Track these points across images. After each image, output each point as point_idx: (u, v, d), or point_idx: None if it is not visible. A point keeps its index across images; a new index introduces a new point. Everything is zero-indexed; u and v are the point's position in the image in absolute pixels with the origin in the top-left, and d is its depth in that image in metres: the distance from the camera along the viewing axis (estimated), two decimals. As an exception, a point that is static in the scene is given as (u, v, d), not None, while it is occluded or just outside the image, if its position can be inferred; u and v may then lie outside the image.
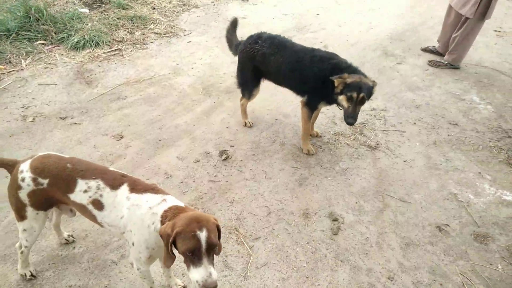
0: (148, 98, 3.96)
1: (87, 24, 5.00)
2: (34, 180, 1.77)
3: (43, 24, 4.70)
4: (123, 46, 4.88)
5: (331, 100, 3.03)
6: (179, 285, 2.17)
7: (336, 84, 2.84)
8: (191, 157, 3.21)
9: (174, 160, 3.16)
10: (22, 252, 2.06)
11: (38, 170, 1.77)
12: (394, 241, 2.59)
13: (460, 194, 3.01)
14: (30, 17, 4.66)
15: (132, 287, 2.17)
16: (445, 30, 5.00)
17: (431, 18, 6.58)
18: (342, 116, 3.06)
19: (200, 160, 3.19)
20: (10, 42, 4.48)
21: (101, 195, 1.71)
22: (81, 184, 1.74)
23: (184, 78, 4.38)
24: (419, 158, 3.37)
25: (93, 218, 1.79)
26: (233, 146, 3.38)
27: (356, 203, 2.88)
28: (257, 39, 3.27)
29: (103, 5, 5.68)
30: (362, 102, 2.88)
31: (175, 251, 1.53)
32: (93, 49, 4.69)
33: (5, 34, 4.52)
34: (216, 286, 1.44)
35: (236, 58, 3.56)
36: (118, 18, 5.35)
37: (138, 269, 1.80)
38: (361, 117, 3.82)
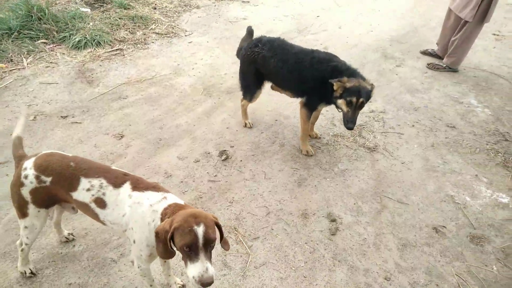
0: (149, 98, 3.99)
1: (88, 24, 5.02)
2: (37, 177, 1.79)
3: (45, 23, 4.72)
4: (124, 45, 4.91)
5: (330, 100, 3.05)
6: (178, 283, 2.19)
7: (335, 88, 2.86)
8: (191, 157, 3.24)
9: (174, 159, 3.19)
10: (22, 250, 2.08)
11: (42, 168, 1.80)
12: (391, 242, 2.62)
13: (457, 196, 3.04)
14: (32, 16, 4.68)
15: (131, 286, 2.20)
16: (444, 33, 5.03)
17: (430, 20, 6.62)
18: (341, 118, 3.09)
19: (200, 160, 3.21)
20: (12, 41, 4.50)
21: (103, 194, 1.74)
22: (84, 183, 1.76)
23: (185, 79, 4.40)
24: (417, 160, 3.40)
25: (95, 217, 1.81)
26: (233, 147, 3.40)
27: (354, 204, 2.91)
28: (257, 42, 3.30)
29: (105, 4, 5.71)
30: (361, 106, 2.91)
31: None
32: (95, 49, 4.71)
33: (7, 33, 4.54)
34: (212, 282, 1.44)
35: (237, 59, 3.59)
36: (119, 18, 5.38)
37: (138, 267, 1.82)
38: (360, 119, 3.86)
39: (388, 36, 5.95)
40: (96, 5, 5.70)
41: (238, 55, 3.57)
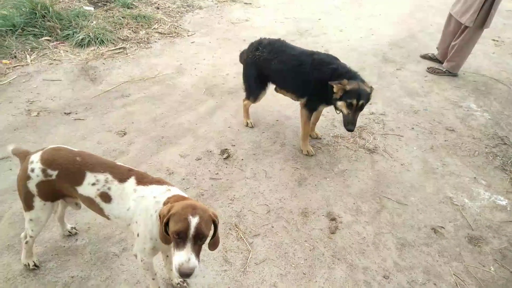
0: (151, 96, 4.02)
1: (92, 22, 5.06)
2: (44, 171, 1.82)
3: (48, 21, 4.76)
4: (127, 44, 4.94)
5: (330, 102, 3.09)
6: (180, 278, 2.21)
7: (335, 90, 2.90)
8: (193, 155, 3.27)
9: (176, 157, 3.22)
10: (27, 242, 2.10)
11: (48, 161, 1.82)
12: (390, 242, 2.65)
13: (455, 198, 3.07)
14: (36, 13, 4.71)
15: (133, 279, 2.22)
16: (444, 38, 5.09)
17: (430, 25, 6.69)
18: (341, 120, 3.12)
19: (202, 158, 3.24)
20: (16, 38, 4.53)
21: (109, 188, 1.77)
22: (90, 177, 1.79)
23: (187, 78, 4.44)
24: (416, 162, 3.44)
25: (100, 211, 1.84)
26: (234, 146, 3.44)
27: (354, 203, 2.94)
28: (258, 45, 3.34)
29: (108, 3, 5.75)
30: (361, 108, 2.95)
31: None
32: (98, 47, 4.75)
33: (11, 30, 4.57)
34: (191, 273, 1.43)
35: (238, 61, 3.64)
36: (122, 17, 5.42)
37: (141, 260, 1.85)
38: (361, 121, 3.90)
39: (388, 40, 6.01)
40: (99, 4, 5.74)
41: (241, 59, 3.61)
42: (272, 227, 2.68)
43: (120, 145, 3.29)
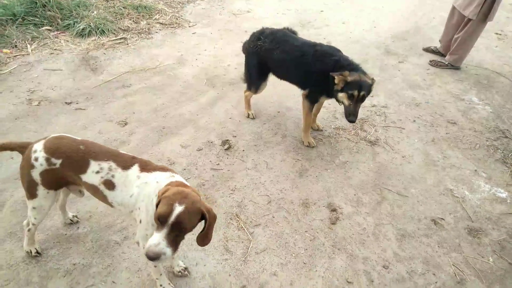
0: (152, 86, 4.01)
1: (92, 12, 5.02)
2: (47, 160, 1.81)
3: (49, 10, 4.73)
4: (128, 35, 4.91)
5: (331, 94, 3.08)
6: (181, 266, 2.23)
7: (336, 81, 2.89)
8: (194, 145, 3.27)
9: (177, 148, 3.22)
10: (29, 230, 2.11)
11: (52, 150, 1.82)
12: (390, 232, 2.66)
13: (456, 190, 3.08)
14: (36, 3, 4.68)
15: (134, 267, 2.23)
16: (447, 31, 5.06)
17: (433, 18, 6.65)
18: (343, 112, 3.12)
19: (203, 148, 3.24)
20: (16, 27, 4.51)
21: (113, 176, 1.77)
22: (94, 165, 1.79)
23: (188, 69, 4.42)
24: (417, 154, 3.44)
25: (104, 199, 1.84)
26: (235, 137, 3.43)
27: (355, 195, 2.95)
28: (260, 35, 3.32)
29: (109, -7, 5.70)
30: (362, 100, 2.94)
31: None
32: (99, 37, 4.72)
33: (11, 19, 4.54)
34: (155, 258, 1.43)
35: (240, 51, 3.61)
36: (123, 7, 5.38)
37: (143, 247, 1.85)
38: (362, 113, 3.89)
39: (391, 33, 5.97)
40: (100, -6, 5.68)
41: (243, 49, 3.59)
42: (273, 217, 2.69)
43: (121, 135, 3.29)
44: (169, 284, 2.09)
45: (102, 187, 1.80)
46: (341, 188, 3.00)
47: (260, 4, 6.56)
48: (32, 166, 1.83)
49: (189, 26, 5.46)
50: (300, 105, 3.36)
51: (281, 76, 3.47)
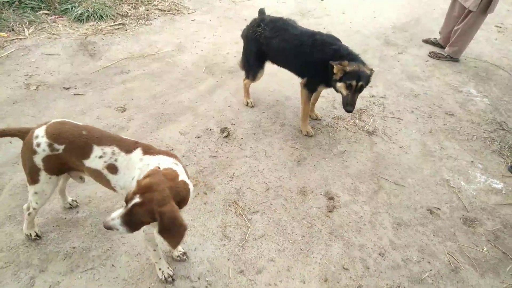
0: (151, 73, 3.99)
1: (91, -3, 4.96)
2: (50, 145, 1.81)
3: (46, -6, 4.66)
4: (126, 20, 4.86)
5: (329, 83, 3.08)
6: (180, 250, 2.25)
7: (335, 70, 2.88)
8: (193, 132, 3.27)
9: (176, 134, 3.22)
10: (29, 214, 2.11)
11: (54, 136, 1.81)
12: (386, 221, 2.69)
13: (452, 181, 3.11)
14: (33, -14, 4.61)
15: (133, 251, 2.26)
16: (448, 22, 5.05)
17: (434, 10, 6.62)
18: (341, 101, 3.12)
19: (202, 136, 3.25)
20: (13, 10, 4.45)
21: (116, 160, 1.78)
22: (97, 150, 1.79)
23: (187, 56, 4.39)
24: (415, 145, 3.47)
25: (107, 183, 1.85)
26: (234, 124, 3.44)
27: (352, 184, 2.98)
28: (260, 22, 3.30)
29: (107, -22, 5.61)
30: (360, 90, 2.95)
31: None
32: (97, 22, 4.67)
33: (8, 2, 4.47)
34: (107, 227, 1.51)
35: (240, 39, 3.59)
36: (122, -8, 5.31)
37: (144, 231, 1.87)
38: (360, 103, 3.91)
39: (391, 24, 5.95)
40: (98, -22, 5.60)
41: (243, 35, 3.56)
42: (271, 204, 2.71)
43: (119, 121, 3.28)
44: (168, 268, 2.12)
45: (105, 172, 1.80)
46: (338, 177, 3.02)
47: (260, -8, 6.48)
48: (34, 152, 1.82)
49: (188, 13, 5.41)
50: (298, 94, 3.36)
51: (280, 64, 3.46)
